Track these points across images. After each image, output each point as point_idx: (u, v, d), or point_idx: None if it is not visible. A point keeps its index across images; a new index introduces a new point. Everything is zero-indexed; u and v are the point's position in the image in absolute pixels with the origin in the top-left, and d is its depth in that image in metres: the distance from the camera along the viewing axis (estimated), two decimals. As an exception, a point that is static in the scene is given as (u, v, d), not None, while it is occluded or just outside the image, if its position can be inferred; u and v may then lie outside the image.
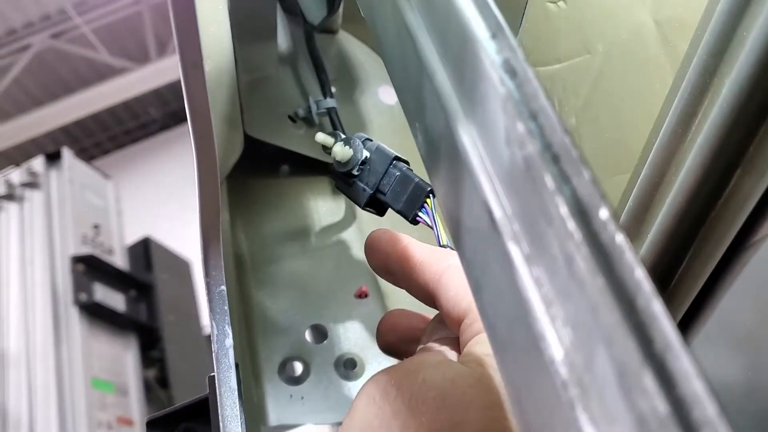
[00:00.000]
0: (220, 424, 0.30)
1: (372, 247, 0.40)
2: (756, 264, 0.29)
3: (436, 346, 0.34)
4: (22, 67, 5.48)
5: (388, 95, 0.72)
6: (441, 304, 0.35)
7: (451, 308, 0.34)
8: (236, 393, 0.31)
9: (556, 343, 0.17)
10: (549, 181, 0.17)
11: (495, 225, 0.20)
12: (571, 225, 0.16)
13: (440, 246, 0.41)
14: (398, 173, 0.45)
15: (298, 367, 0.53)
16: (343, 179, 0.47)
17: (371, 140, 0.47)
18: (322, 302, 0.57)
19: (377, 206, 0.47)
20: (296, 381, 0.52)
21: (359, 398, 0.30)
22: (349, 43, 0.76)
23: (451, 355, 0.33)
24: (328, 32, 0.76)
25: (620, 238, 0.15)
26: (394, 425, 0.27)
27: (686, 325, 0.33)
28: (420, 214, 0.43)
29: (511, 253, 0.19)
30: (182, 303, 2.56)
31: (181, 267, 2.74)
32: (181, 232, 3.23)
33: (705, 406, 0.13)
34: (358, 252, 0.60)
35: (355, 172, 0.46)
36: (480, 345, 0.31)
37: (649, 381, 0.14)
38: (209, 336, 0.34)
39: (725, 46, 0.27)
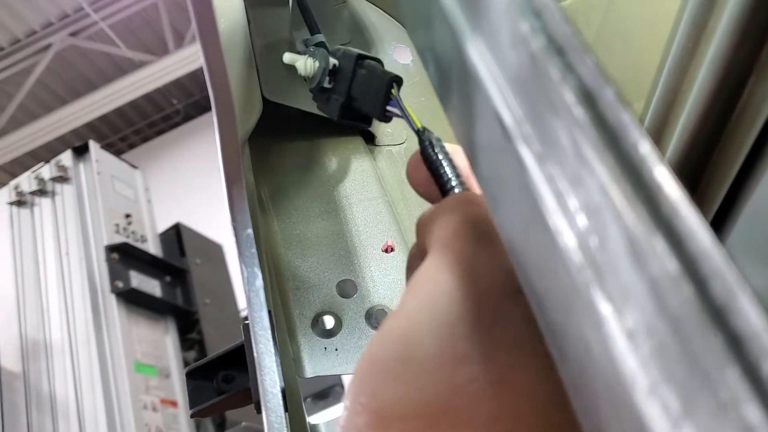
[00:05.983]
0: (256, 362, 0.31)
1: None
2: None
3: None
4: (44, 66, 5.56)
5: (401, 55, 0.72)
6: None
7: None
8: (270, 332, 0.32)
9: (568, 231, 0.17)
10: (554, 73, 0.17)
11: (506, 131, 0.20)
12: (578, 111, 0.17)
13: (415, 131, 0.34)
14: (364, 71, 0.41)
15: (330, 321, 0.54)
16: (320, 98, 0.43)
17: (343, 46, 0.43)
18: (350, 258, 0.57)
19: (355, 115, 0.42)
20: (329, 334, 0.53)
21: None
22: (360, 6, 0.76)
23: None
24: (339, -3, 0.76)
25: (626, 116, 0.16)
26: None
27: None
28: (388, 108, 0.38)
29: (522, 155, 0.19)
30: (217, 286, 2.60)
31: (214, 251, 2.78)
32: (211, 218, 3.27)
33: (713, 259, 0.13)
34: (383, 208, 0.61)
35: (326, 85, 0.42)
36: None
37: (658, 243, 0.14)
38: (245, 318, 0.35)
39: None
